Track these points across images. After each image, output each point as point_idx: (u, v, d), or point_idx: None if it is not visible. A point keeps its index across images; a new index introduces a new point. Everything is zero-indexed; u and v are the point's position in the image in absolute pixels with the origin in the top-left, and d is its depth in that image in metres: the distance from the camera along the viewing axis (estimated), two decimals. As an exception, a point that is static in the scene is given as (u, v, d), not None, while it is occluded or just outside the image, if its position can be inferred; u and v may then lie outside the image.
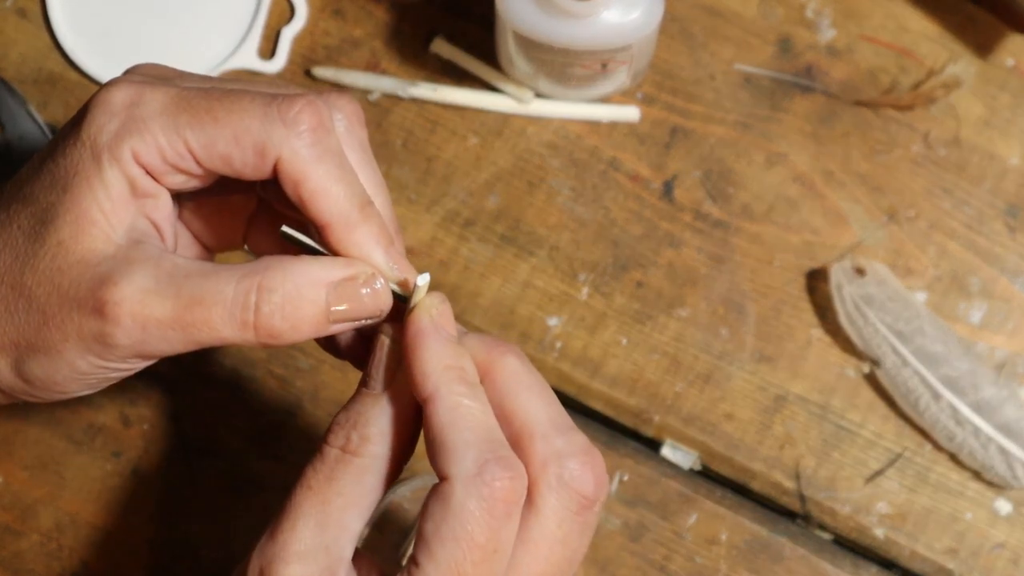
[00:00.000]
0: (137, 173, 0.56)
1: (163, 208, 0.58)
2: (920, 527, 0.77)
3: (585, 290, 0.79)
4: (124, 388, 0.78)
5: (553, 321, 0.79)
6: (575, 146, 0.80)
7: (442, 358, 0.55)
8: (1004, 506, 0.77)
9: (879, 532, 0.77)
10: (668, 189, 0.80)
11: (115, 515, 0.77)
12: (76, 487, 0.78)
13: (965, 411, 0.76)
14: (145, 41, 0.81)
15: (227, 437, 0.78)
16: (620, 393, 0.78)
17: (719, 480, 0.78)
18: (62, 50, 0.81)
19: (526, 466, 0.54)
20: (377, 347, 0.56)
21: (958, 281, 0.79)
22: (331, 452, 0.55)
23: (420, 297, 0.57)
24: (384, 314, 0.57)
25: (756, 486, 0.78)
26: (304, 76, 0.81)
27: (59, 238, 0.56)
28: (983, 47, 0.80)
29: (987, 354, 0.78)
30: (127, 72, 0.59)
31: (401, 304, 0.57)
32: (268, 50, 0.81)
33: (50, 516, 0.77)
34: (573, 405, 0.78)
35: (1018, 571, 0.77)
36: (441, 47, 0.80)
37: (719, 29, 0.81)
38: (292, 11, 0.81)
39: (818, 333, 0.78)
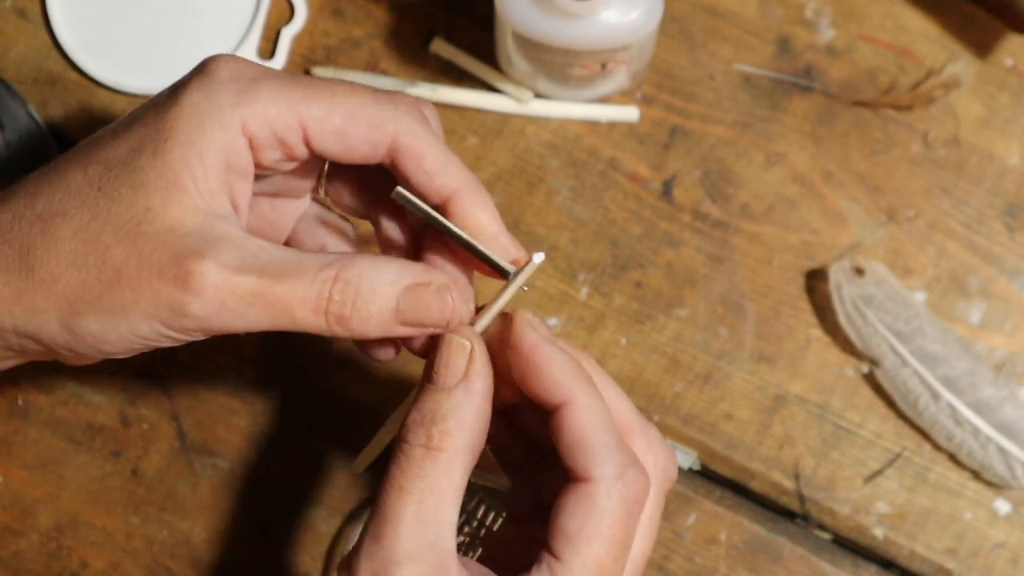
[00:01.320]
0: (240, 144, 0.57)
1: (246, 192, 0.59)
2: (919, 527, 0.77)
3: (584, 290, 0.79)
4: (124, 388, 0.78)
5: (552, 321, 0.79)
6: (574, 146, 0.80)
7: (568, 364, 0.58)
8: (1003, 506, 0.77)
9: (878, 532, 0.77)
10: (667, 189, 0.80)
11: (115, 515, 0.77)
12: (76, 487, 0.78)
13: (964, 411, 0.76)
14: (145, 41, 0.81)
15: (227, 437, 0.78)
16: (619, 393, 0.78)
17: (718, 480, 0.78)
18: (62, 50, 0.81)
19: None
20: (444, 344, 0.58)
21: (957, 281, 0.79)
22: (415, 451, 0.56)
23: (528, 274, 0.58)
24: (451, 327, 0.59)
25: (755, 486, 0.78)
26: (303, 76, 0.81)
27: (148, 204, 0.56)
28: (982, 47, 0.80)
29: (986, 354, 0.78)
30: (213, 58, 0.60)
31: (501, 279, 0.59)
32: (268, 50, 0.81)
33: (50, 516, 0.78)
34: (572, 405, 0.78)
35: (1017, 571, 0.77)
36: (440, 47, 0.80)
37: (718, 29, 0.81)
38: (292, 11, 0.81)
39: (817, 333, 0.78)
